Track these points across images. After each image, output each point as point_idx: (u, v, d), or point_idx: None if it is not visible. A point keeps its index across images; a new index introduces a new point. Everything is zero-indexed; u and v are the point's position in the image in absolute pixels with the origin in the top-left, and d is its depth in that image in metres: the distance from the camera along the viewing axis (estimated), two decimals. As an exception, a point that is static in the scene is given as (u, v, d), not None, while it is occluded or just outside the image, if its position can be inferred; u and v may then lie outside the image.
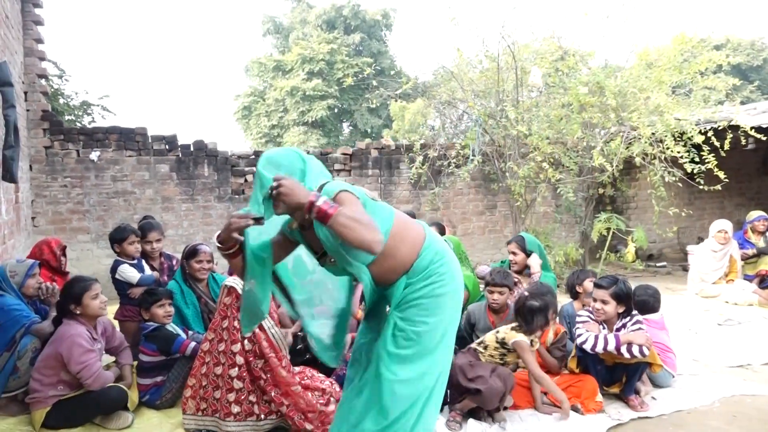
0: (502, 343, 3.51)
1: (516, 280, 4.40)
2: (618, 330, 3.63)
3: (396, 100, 14.31)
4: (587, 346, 3.54)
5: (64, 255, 4.50)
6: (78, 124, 9.70)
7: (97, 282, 3.54)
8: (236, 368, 3.17)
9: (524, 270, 4.78)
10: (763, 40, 25.46)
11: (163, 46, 55.58)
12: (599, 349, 3.50)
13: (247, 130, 24.02)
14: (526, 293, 3.53)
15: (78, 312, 3.40)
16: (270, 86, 23.18)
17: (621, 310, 3.63)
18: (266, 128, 22.75)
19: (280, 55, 24.00)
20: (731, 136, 7.02)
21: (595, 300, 3.70)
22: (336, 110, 22.49)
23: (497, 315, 4.14)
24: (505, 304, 4.11)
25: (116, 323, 4.42)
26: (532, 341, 3.45)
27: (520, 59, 7.77)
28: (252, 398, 3.17)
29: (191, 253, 4.21)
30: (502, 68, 7.81)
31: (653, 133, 6.95)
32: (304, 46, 21.73)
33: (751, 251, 7.00)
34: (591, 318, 3.71)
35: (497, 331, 3.59)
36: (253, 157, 8.38)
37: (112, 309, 4.63)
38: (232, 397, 3.15)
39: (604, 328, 3.66)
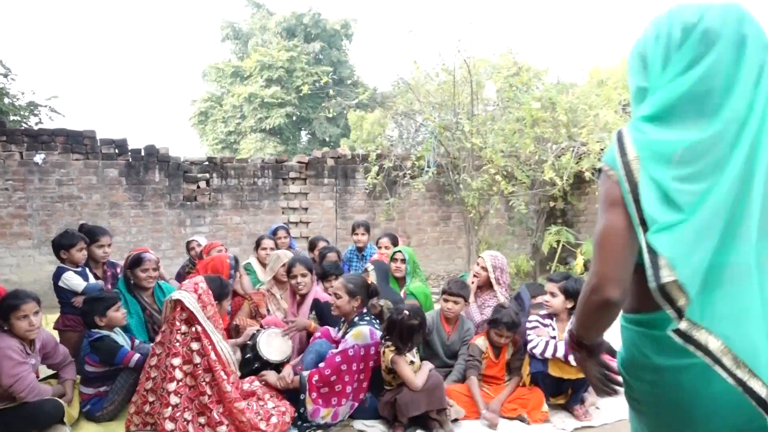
0: (389, 369, 3.53)
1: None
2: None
3: (355, 110, 14.36)
4: (537, 351, 3.63)
5: None
6: (24, 125, 9.34)
7: (32, 301, 3.31)
8: (174, 382, 3.09)
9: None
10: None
11: (117, 48, 54.19)
12: (548, 354, 3.58)
13: (203, 136, 23.62)
14: (406, 312, 3.49)
15: (5, 328, 3.26)
16: (227, 92, 22.90)
17: (569, 305, 3.73)
18: (223, 134, 22.43)
19: (239, 61, 23.74)
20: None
21: (545, 292, 3.85)
22: (294, 118, 22.34)
23: (450, 325, 4.19)
24: (457, 315, 4.16)
25: (56, 333, 4.26)
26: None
27: (476, 73, 7.91)
28: (187, 416, 3.09)
29: (136, 261, 4.09)
30: (458, 81, 7.93)
31: (602, 149, 7.17)
32: (263, 53, 21.55)
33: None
34: (540, 323, 3.79)
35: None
36: (207, 163, 8.25)
37: (53, 317, 4.46)
38: (167, 412, 3.07)
39: (554, 338, 3.72)
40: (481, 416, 3.57)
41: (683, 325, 1.25)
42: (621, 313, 1.47)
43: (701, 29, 1.29)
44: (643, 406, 1.47)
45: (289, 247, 5.85)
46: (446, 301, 4.11)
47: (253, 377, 3.56)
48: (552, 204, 8.47)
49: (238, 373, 3.42)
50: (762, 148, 1.27)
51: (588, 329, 1.45)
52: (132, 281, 4.13)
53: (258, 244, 5.51)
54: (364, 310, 3.76)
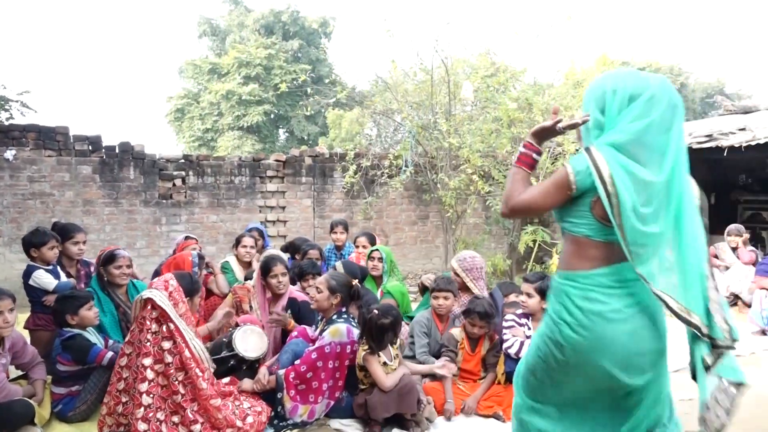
0: (362, 367, 3.55)
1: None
2: None
3: (333, 109, 14.33)
4: (512, 351, 3.68)
5: None
6: (-7, 121, 9.12)
7: (8, 298, 3.30)
8: (146, 383, 3.05)
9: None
10: (680, 65, 27.18)
11: (92, 42, 53.32)
12: (523, 354, 3.62)
13: (179, 133, 23.38)
14: (375, 311, 3.49)
15: None
16: (205, 89, 22.70)
17: (545, 305, 3.77)
18: (200, 131, 22.23)
19: (216, 58, 23.56)
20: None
21: (522, 293, 3.90)
22: (272, 116, 22.25)
23: (443, 321, 4.26)
24: (449, 310, 4.20)
25: (27, 333, 4.18)
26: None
27: (453, 73, 7.94)
28: (160, 416, 3.05)
29: (109, 258, 4.04)
30: (436, 81, 7.95)
31: (577, 150, 7.25)
32: (241, 50, 21.40)
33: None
34: (516, 323, 3.84)
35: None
36: (183, 161, 8.15)
37: (23, 317, 4.38)
38: (140, 413, 3.03)
39: (529, 337, 3.77)
40: (444, 408, 3.60)
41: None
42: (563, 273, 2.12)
43: (649, 94, 1.87)
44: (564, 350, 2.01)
45: (263, 247, 5.81)
46: (436, 298, 4.19)
47: (228, 379, 3.53)
48: (528, 204, 8.53)
49: (213, 368, 3.38)
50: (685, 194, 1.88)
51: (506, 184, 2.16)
52: (105, 279, 4.08)
53: (238, 242, 5.46)
54: (343, 309, 3.76)
